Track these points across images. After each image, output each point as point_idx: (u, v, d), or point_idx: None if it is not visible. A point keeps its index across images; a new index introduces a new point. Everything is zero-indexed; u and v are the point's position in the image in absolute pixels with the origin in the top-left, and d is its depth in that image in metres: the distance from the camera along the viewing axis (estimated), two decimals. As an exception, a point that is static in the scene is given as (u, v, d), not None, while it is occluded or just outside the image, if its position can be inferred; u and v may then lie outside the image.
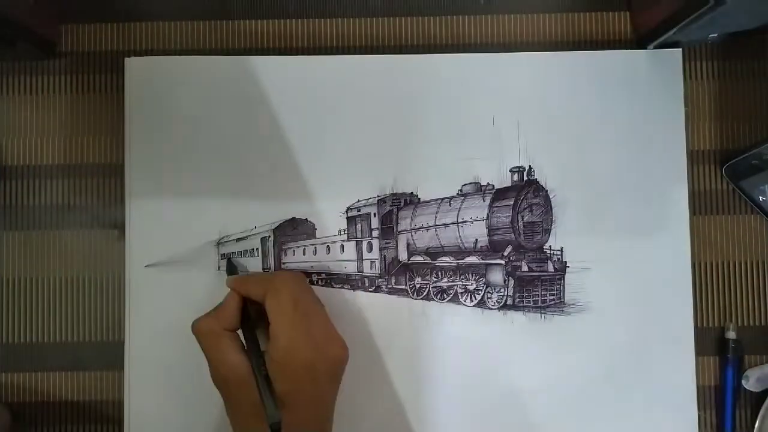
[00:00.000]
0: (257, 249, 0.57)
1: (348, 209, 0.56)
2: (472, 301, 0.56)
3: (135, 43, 0.58)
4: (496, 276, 0.56)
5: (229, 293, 0.52)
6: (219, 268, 0.56)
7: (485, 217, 0.56)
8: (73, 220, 0.58)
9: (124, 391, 0.56)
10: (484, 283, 0.56)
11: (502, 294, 0.56)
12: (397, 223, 0.57)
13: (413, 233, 0.57)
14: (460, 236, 0.56)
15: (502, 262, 0.56)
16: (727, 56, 0.58)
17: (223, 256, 0.56)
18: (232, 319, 0.51)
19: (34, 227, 0.58)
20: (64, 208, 0.58)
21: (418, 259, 0.57)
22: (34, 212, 0.58)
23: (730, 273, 0.57)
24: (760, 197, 0.56)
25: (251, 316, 0.51)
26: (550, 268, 0.56)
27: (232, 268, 0.56)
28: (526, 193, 0.56)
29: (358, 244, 0.57)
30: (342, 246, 0.57)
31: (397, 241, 0.57)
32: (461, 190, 0.56)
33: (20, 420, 0.57)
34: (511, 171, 0.56)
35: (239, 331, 0.51)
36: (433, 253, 0.57)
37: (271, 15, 0.58)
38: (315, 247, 0.57)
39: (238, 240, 0.56)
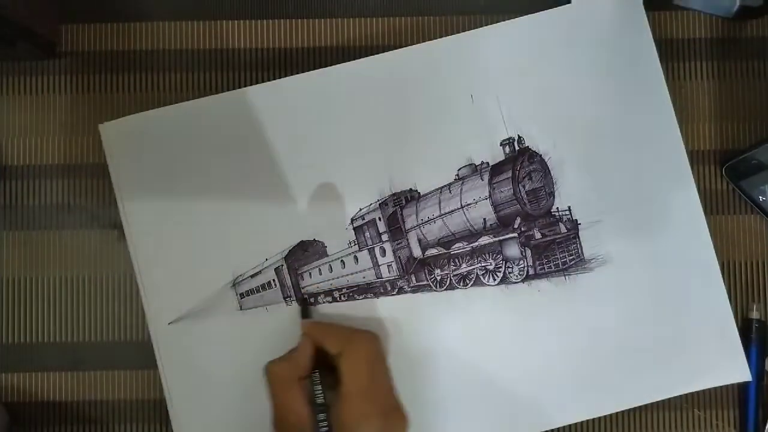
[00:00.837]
0: (274, 280, 0.56)
1: (353, 220, 0.57)
2: (494, 279, 0.56)
3: (135, 43, 0.59)
4: (512, 249, 0.56)
5: (304, 339, 0.52)
6: (240, 308, 0.56)
7: (488, 196, 0.56)
8: (72, 220, 0.58)
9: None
10: (503, 260, 0.56)
11: (522, 266, 0.56)
12: (403, 221, 0.57)
13: (422, 228, 0.57)
14: (467, 220, 0.56)
15: (515, 234, 0.56)
16: (727, 56, 0.59)
17: (242, 295, 0.56)
18: (305, 367, 0.51)
19: (33, 227, 0.58)
20: (63, 208, 0.58)
21: (433, 251, 0.57)
22: (33, 212, 0.58)
23: (730, 273, 0.57)
24: (760, 197, 0.57)
25: (321, 365, 0.51)
26: (563, 229, 0.56)
27: (306, 311, 0.56)
28: (521, 162, 0.56)
29: (371, 251, 0.57)
30: (355, 257, 0.57)
31: (408, 240, 0.57)
32: (458, 175, 0.56)
33: (19, 420, 0.56)
34: (501, 144, 0.56)
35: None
36: (446, 243, 0.57)
37: (271, 15, 0.59)
38: (329, 265, 0.57)
39: (253, 276, 0.56)
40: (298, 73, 0.57)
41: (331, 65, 0.57)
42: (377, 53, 0.57)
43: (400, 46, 0.58)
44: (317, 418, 0.49)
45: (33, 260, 0.58)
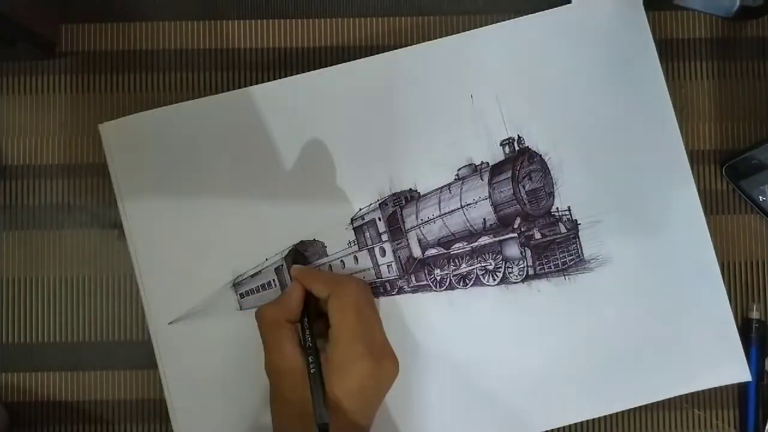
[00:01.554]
0: (274, 280, 0.56)
1: (353, 220, 0.57)
2: (494, 280, 0.56)
3: (135, 42, 0.59)
4: (512, 249, 0.56)
5: (293, 283, 0.53)
6: (240, 308, 0.56)
7: (488, 196, 0.56)
8: (72, 220, 0.58)
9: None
10: (502, 260, 0.56)
11: (522, 266, 0.56)
12: (403, 222, 0.57)
13: (422, 228, 0.57)
14: (467, 220, 0.56)
15: (515, 234, 0.56)
16: (727, 56, 0.59)
17: (242, 295, 0.56)
18: (294, 310, 0.52)
19: (33, 227, 0.58)
20: (63, 208, 0.58)
21: (433, 251, 0.57)
22: (33, 212, 0.58)
23: (730, 273, 0.57)
24: (760, 197, 0.57)
25: (311, 311, 0.52)
26: (562, 229, 0.56)
27: (297, 257, 0.56)
28: (521, 162, 0.56)
29: (371, 251, 0.57)
30: (355, 257, 0.57)
31: (408, 240, 0.57)
32: (458, 175, 0.56)
33: (19, 420, 0.56)
34: (501, 144, 0.56)
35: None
36: (446, 243, 0.57)
37: (271, 15, 0.59)
38: (329, 265, 0.57)
39: (253, 276, 0.56)
40: (298, 73, 0.57)
41: (331, 65, 0.57)
42: (377, 53, 0.57)
43: (401, 46, 0.58)
44: (307, 360, 0.49)
45: (33, 260, 0.58)
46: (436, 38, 0.58)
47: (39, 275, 0.58)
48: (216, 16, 0.59)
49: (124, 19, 0.59)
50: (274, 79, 0.58)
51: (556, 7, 0.57)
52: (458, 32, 0.58)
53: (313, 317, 0.52)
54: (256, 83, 0.58)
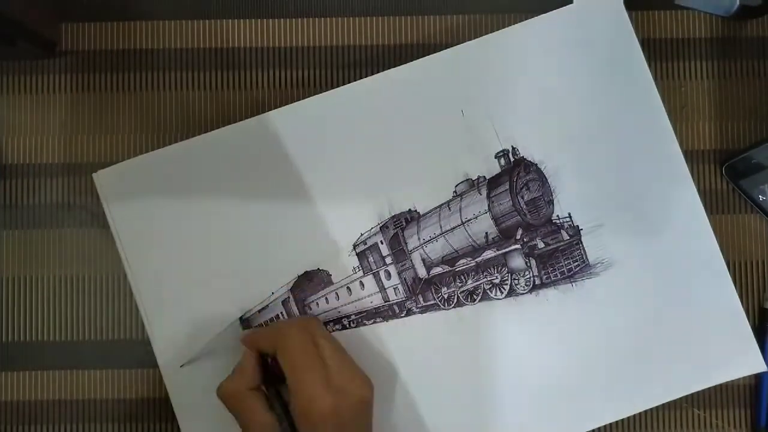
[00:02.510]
0: (282, 313, 0.57)
1: (354, 246, 0.56)
2: (501, 293, 0.56)
3: (135, 42, 0.59)
4: (517, 261, 0.56)
5: (245, 351, 0.52)
6: (251, 343, 0.56)
7: (487, 209, 0.56)
8: (72, 219, 0.58)
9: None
10: (508, 272, 0.56)
11: (528, 276, 0.56)
12: (405, 243, 0.57)
13: (424, 247, 0.57)
14: (469, 235, 0.56)
15: (518, 245, 0.56)
16: (726, 56, 0.58)
17: (251, 330, 0.56)
18: (251, 377, 0.51)
19: (33, 226, 0.58)
20: (63, 207, 0.58)
21: (438, 270, 0.57)
22: (33, 211, 0.58)
23: (730, 273, 0.56)
24: (760, 197, 0.56)
25: (272, 370, 0.51)
26: (565, 236, 0.56)
27: (243, 322, 0.56)
28: (517, 173, 0.56)
29: (376, 275, 0.57)
30: (361, 283, 0.57)
31: (412, 261, 0.57)
32: (456, 192, 0.56)
33: (19, 419, 0.57)
34: (496, 157, 0.56)
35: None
36: (450, 260, 0.57)
37: (271, 14, 0.59)
38: (336, 293, 0.57)
39: (260, 311, 0.56)
40: (298, 73, 0.58)
41: (331, 65, 0.58)
42: (377, 53, 0.58)
43: (401, 46, 0.58)
44: (279, 424, 0.50)
45: (32, 259, 0.58)
46: (436, 38, 0.58)
47: (39, 274, 0.58)
48: (216, 15, 0.59)
49: (124, 18, 0.58)
50: (275, 78, 0.58)
51: (555, 7, 0.57)
52: (458, 32, 0.58)
53: (277, 376, 0.51)
54: (257, 83, 0.58)
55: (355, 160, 0.56)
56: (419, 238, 0.57)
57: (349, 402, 0.49)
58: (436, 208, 0.56)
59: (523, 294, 0.56)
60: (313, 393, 0.48)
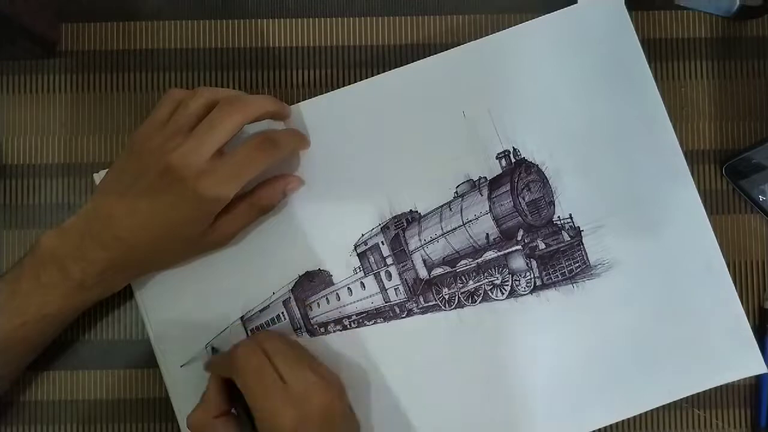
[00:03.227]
0: (283, 313, 0.57)
1: (356, 246, 0.56)
2: (502, 293, 0.56)
3: (135, 42, 0.59)
4: (518, 262, 0.56)
5: (210, 378, 0.53)
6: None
7: (488, 210, 0.56)
8: None
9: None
10: (509, 273, 0.56)
11: (529, 277, 0.56)
12: (406, 243, 0.57)
13: (425, 248, 0.57)
14: (470, 236, 0.56)
15: (519, 246, 0.56)
16: (727, 56, 0.58)
17: (252, 331, 0.56)
18: (218, 404, 0.51)
19: (33, 226, 0.58)
20: (63, 207, 0.58)
21: (439, 271, 0.57)
22: (33, 211, 0.58)
23: (729, 273, 0.56)
24: (760, 197, 0.56)
25: (239, 394, 0.51)
26: (566, 237, 0.56)
27: (214, 351, 0.56)
28: (518, 174, 0.56)
29: (377, 276, 0.57)
30: (362, 283, 0.57)
31: (413, 261, 0.57)
32: (457, 192, 0.56)
33: (19, 420, 0.57)
34: (497, 158, 0.56)
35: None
36: (451, 261, 0.57)
37: (271, 14, 0.59)
38: (336, 293, 0.57)
39: (261, 311, 0.56)
40: (298, 73, 0.58)
41: (331, 65, 0.58)
42: (377, 53, 0.58)
43: (401, 46, 0.58)
44: None
45: None
46: (436, 38, 0.58)
47: (38, 274, 0.58)
48: (216, 15, 0.59)
49: (124, 18, 0.58)
50: (275, 79, 0.58)
51: (555, 7, 0.57)
52: (459, 32, 0.58)
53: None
54: (257, 83, 0.58)
55: (356, 161, 0.56)
56: (420, 239, 0.57)
57: (312, 411, 0.49)
58: (437, 208, 0.56)
59: (524, 295, 0.56)
60: (273, 410, 0.48)
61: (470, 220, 0.56)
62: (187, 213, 0.50)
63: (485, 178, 0.56)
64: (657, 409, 0.56)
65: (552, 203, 0.56)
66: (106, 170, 0.56)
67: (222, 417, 0.51)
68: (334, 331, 0.57)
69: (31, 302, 0.50)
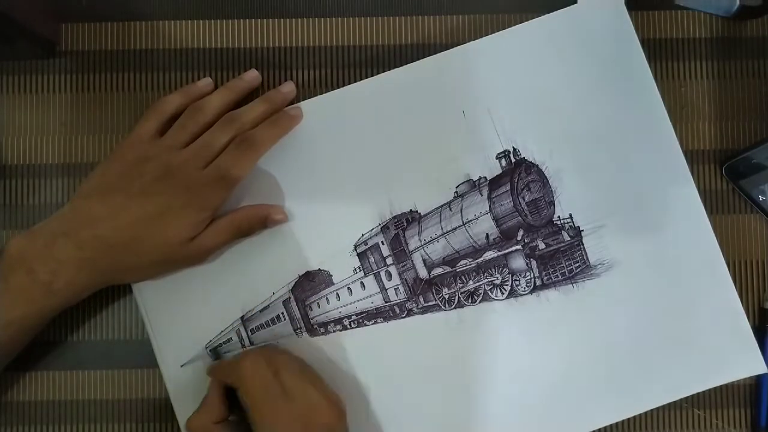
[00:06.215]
0: (282, 313, 0.57)
1: (356, 246, 0.56)
2: (502, 293, 0.56)
3: (135, 42, 0.59)
4: (518, 262, 0.56)
5: (211, 383, 0.53)
6: (251, 343, 0.56)
7: (488, 210, 0.56)
8: None
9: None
10: (509, 273, 0.56)
11: (529, 277, 0.56)
12: (406, 243, 0.57)
13: (425, 248, 0.57)
14: (470, 236, 0.56)
15: (519, 246, 0.56)
16: (727, 56, 0.58)
17: (252, 330, 0.56)
18: (218, 410, 0.51)
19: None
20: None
21: (439, 271, 0.57)
22: (33, 211, 0.58)
23: (729, 273, 0.56)
24: (760, 197, 0.56)
25: (240, 400, 0.51)
26: (566, 237, 0.56)
27: (215, 353, 0.56)
28: (518, 174, 0.56)
29: (377, 276, 0.57)
30: (362, 283, 0.57)
31: (412, 261, 0.57)
32: (457, 192, 0.56)
33: (19, 420, 0.57)
34: (497, 158, 0.56)
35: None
36: (451, 261, 0.57)
37: (271, 14, 0.59)
38: (337, 293, 0.57)
39: (261, 311, 0.56)
40: (298, 73, 0.58)
41: (331, 65, 0.58)
42: (377, 53, 0.58)
43: (400, 46, 0.58)
44: None
45: None
46: (436, 38, 0.58)
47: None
48: (216, 16, 0.58)
49: (124, 18, 0.58)
50: (275, 79, 0.58)
51: (554, 8, 0.57)
52: (459, 32, 0.58)
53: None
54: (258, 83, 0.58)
55: (356, 161, 0.56)
56: (420, 239, 0.57)
57: (315, 428, 0.49)
58: (437, 208, 0.56)
59: (523, 295, 0.56)
60: (276, 425, 0.49)
61: (470, 220, 0.56)
62: (174, 217, 0.51)
63: (485, 178, 0.56)
64: (657, 409, 0.56)
65: (552, 203, 0.56)
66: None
67: (222, 423, 0.51)
68: (334, 331, 0.57)
69: None
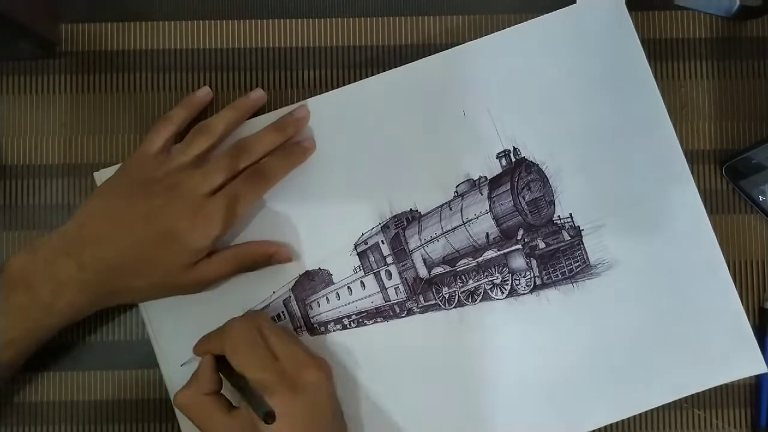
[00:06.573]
0: (283, 312, 0.57)
1: (356, 246, 0.56)
2: (502, 293, 0.56)
3: (135, 43, 0.59)
4: (518, 261, 0.56)
5: (202, 358, 0.52)
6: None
7: (488, 210, 0.56)
8: None
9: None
10: (509, 272, 0.56)
11: (529, 277, 0.56)
12: (406, 243, 0.57)
13: (425, 247, 0.57)
14: (470, 235, 0.56)
15: (519, 246, 0.56)
16: (727, 56, 0.58)
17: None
18: (209, 382, 0.51)
19: (33, 227, 0.58)
20: (63, 208, 0.58)
21: (439, 270, 0.57)
22: (33, 212, 0.58)
23: (729, 273, 0.56)
24: (760, 197, 0.56)
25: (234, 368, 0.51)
26: (566, 236, 0.56)
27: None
28: (519, 173, 0.56)
29: (377, 275, 0.57)
30: (362, 282, 0.57)
31: (413, 260, 0.57)
32: (457, 192, 0.56)
33: (19, 420, 0.57)
34: (497, 157, 0.56)
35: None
36: (451, 260, 0.57)
37: (271, 15, 0.59)
38: (337, 293, 0.57)
39: (262, 310, 0.56)
40: (298, 74, 0.58)
41: (331, 65, 0.58)
42: (377, 53, 0.58)
43: (400, 46, 0.58)
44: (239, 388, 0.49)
45: None
46: (435, 38, 0.58)
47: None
48: (216, 16, 0.59)
49: (124, 19, 0.58)
50: (275, 79, 0.58)
51: (554, 7, 0.57)
52: (458, 32, 0.58)
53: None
54: (258, 84, 0.58)
55: (356, 160, 0.56)
56: (420, 238, 0.57)
57: (304, 385, 0.49)
58: (437, 207, 0.56)
59: (523, 294, 0.56)
60: (265, 383, 0.48)
61: (470, 220, 0.56)
62: (177, 242, 0.52)
63: (485, 177, 0.56)
64: (657, 408, 0.56)
65: (552, 202, 0.56)
66: (105, 169, 0.56)
67: (213, 395, 0.51)
68: (334, 330, 0.57)
69: None
